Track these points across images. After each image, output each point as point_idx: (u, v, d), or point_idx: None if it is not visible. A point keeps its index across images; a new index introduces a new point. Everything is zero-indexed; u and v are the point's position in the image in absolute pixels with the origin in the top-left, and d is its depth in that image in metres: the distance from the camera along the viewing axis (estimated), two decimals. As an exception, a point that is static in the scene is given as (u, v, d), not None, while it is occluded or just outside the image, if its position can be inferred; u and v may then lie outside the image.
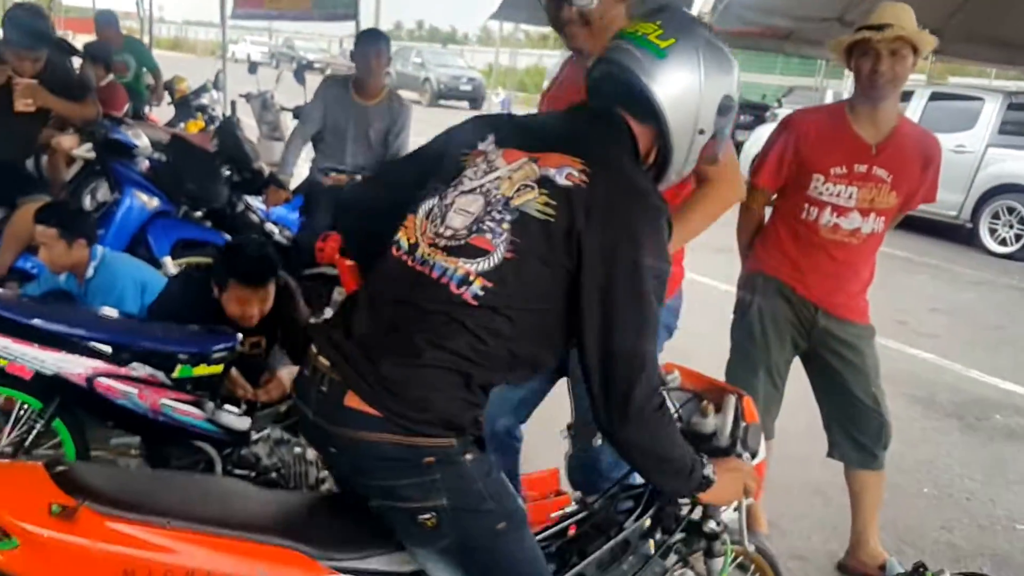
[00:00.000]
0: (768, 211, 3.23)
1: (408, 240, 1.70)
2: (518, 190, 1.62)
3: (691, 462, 1.76)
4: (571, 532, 2.09)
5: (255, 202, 4.99)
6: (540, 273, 1.59)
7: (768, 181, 3.08)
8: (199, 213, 4.61)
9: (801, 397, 3.36)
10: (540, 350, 1.68)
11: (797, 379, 3.38)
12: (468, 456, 1.62)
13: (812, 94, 18.82)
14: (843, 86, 17.66)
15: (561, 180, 1.60)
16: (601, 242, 1.57)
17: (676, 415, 2.07)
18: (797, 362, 3.28)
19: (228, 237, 4.52)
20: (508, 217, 1.61)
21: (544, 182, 1.61)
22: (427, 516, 1.61)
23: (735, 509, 2.10)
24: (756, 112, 15.14)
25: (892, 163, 2.90)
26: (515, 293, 1.59)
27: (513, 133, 1.74)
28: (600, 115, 1.74)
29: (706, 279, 6.29)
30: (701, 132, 1.74)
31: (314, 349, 1.69)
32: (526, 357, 1.66)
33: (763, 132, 10.99)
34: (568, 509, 2.15)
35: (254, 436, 2.91)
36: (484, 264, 1.59)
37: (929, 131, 3.11)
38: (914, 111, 9.74)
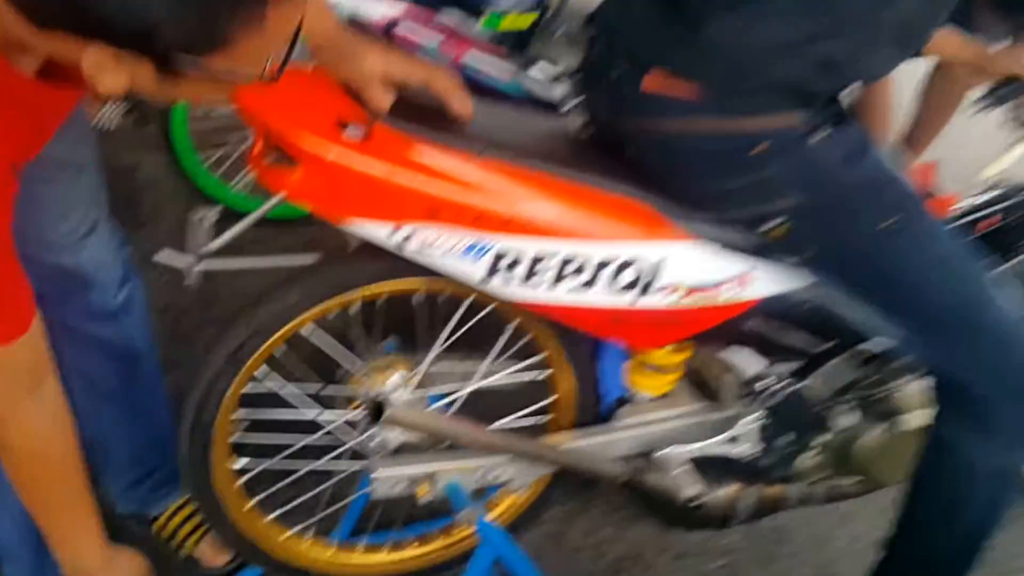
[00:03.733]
0: None
1: None
2: None
3: None
4: (979, 228, 1.56)
5: None
6: None
7: None
8: None
9: None
10: None
11: None
12: (818, 136, 1.18)
13: None
14: None
15: None
16: None
17: None
18: None
19: None
20: None
21: None
22: (771, 225, 1.23)
23: None
24: None
25: None
26: None
27: None
28: None
29: None
30: None
31: (599, 23, 1.29)
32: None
33: None
34: (979, 199, 1.58)
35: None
36: None
37: None
38: None
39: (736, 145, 1.18)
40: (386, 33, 2.26)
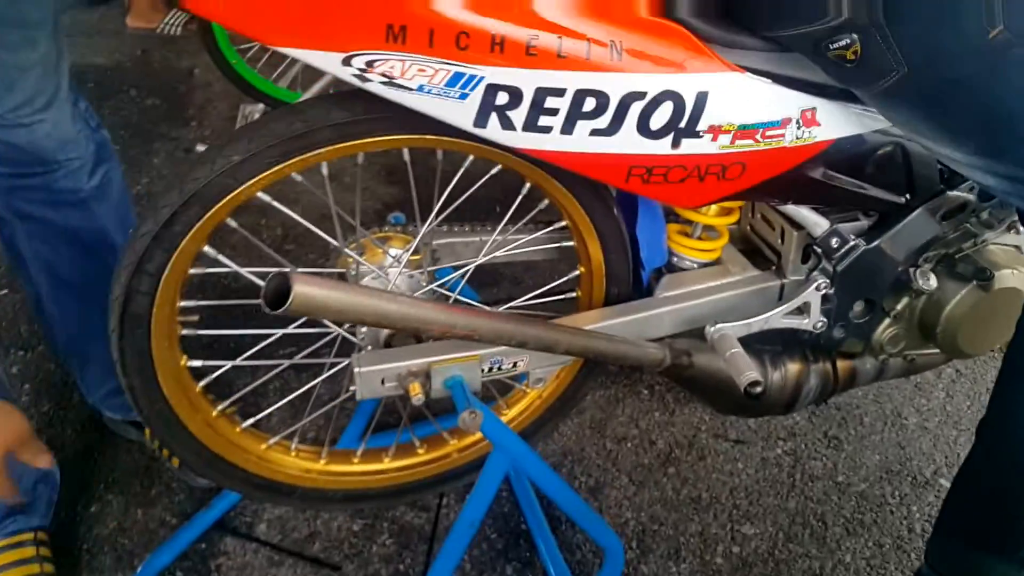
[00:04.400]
0: None
1: None
2: None
3: None
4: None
5: None
6: None
7: None
8: None
9: None
10: None
11: None
12: None
13: None
14: None
15: None
16: None
17: None
18: None
19: None
20: None
21: None
22: (841, 44, 0.97)
23: None
24: None
25: None
26: None
27: None
28: None
29: None
30: None
31: None
32: None
33: None
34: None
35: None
36: None
37: None
38: None
39: None
40: None
